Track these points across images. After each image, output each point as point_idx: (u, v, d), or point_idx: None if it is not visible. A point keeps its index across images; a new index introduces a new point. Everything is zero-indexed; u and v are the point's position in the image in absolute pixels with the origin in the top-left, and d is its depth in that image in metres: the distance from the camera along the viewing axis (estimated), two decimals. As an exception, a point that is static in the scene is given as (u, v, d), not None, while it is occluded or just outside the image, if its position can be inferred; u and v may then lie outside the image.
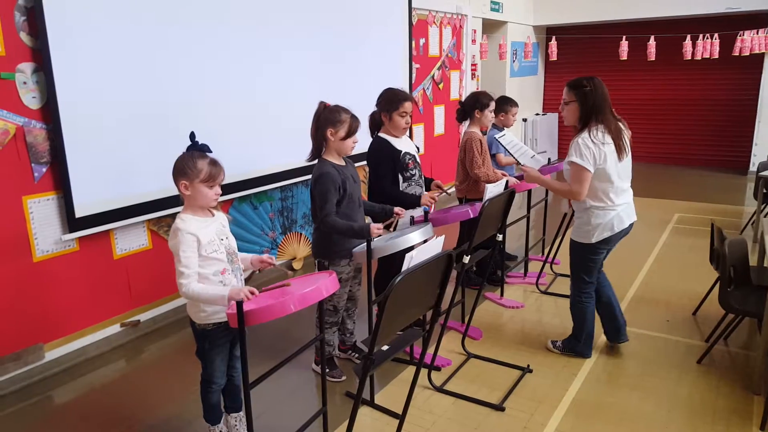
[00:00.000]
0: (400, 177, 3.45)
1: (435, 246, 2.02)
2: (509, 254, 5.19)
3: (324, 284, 2.16)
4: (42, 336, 3.41)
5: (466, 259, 2.98)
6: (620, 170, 3.08)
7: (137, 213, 3.71)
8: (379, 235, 2.85)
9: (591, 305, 3.32)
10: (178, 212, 2.36)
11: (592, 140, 2.98)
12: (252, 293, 2.12)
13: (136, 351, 3.76)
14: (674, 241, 5.70)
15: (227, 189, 4.32)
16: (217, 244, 2.30)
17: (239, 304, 1.98)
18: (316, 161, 3.02)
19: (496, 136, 4.28)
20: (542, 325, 3.96)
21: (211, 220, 2.36)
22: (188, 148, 2.35)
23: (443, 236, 2.17)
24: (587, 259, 3.21)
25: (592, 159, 2.98)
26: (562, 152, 10.91)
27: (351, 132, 2.90)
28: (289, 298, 2.08)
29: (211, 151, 2.38)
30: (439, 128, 7.47)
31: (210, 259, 2.27)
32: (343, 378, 3.26)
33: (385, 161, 3.43)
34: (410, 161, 3.47)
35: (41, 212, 3.31)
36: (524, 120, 9.96)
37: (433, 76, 7.24)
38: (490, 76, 9.07)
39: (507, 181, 3.98)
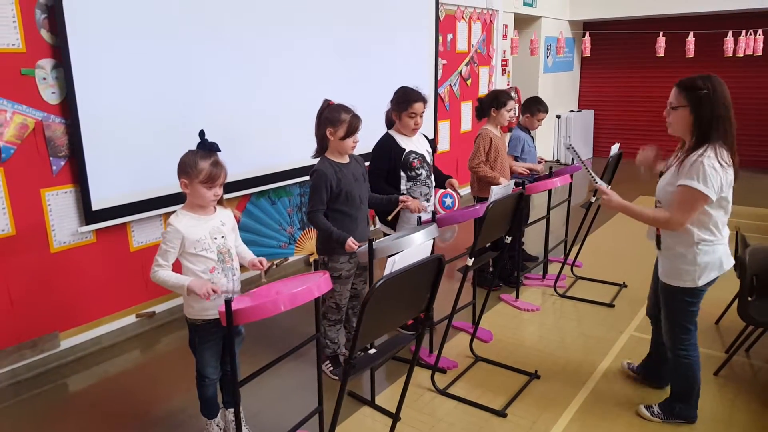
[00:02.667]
0: (404, 176, 3.42)
1: (423, 250, 1.99)
2: (530, 255, 5.12)
3: (316, 284, 2.16)
4: (58, 324, 3.51)
5: (470, 261, 2.93)
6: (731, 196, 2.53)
7: (154, 207, 3.78)
8: (353, 250, 2.87)
9: (696, 356, 2.71)
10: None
11: (720, 163, 2.39)
12: (214, 291, 2.25)
13: (150, 342, 3.84)
14: None
15: (245, 184, 4.38)
16: (208, 243, 2.34)
17: (227, 302, 1.99)
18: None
19: (566, 144, 3.95)
20: (557, 329, 3.88)
21: (207, 218, 2.39)
22: (198, 146, 2.38)
23: (432, 240, 2.13)
24: (690, 304, 2.61)
25: (719, 186, 2.40)
26: (597, 150, 10.67)
27: (350, 132, 2.89)
28: (279, 297, 2.08)
29: (219, 150, 2.40)
30: (466, 125, 7.39)
31: (198, 256, 2.33)
32: (346, 377, 3.26)
33: (382, 157, 3.44)
34: (416, 160, 3.44)
35: (59, 204, 3.40)
36: (558, 117, 9.78)
37: (460, 72, 7.16)
38: (522, 72, 8.93)
39: (524, 182, 3.93)
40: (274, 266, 4.81)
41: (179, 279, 2.31)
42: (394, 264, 1.83)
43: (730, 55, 7.82)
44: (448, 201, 6.52)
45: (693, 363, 2.72)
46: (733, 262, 2.64)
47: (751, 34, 7.73)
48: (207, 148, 2.33)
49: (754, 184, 8.40)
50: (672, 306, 2.68)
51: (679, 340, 2.70)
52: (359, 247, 2.89)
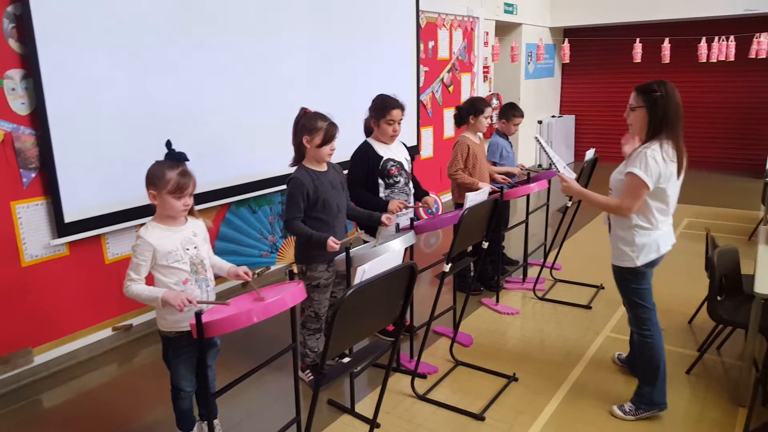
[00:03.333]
0: (382, 183, 3.43)
1: (394, 258, 1.99)
2: (510, 259, 5.14)
3: (289, 294, 2.15)
4: (31, 340, 3.45)
5: (447, 268, 2.93)
6: (676, 191, 2.79)
7: (129, 218, 3.74)
8: (335, 249, 2.85)
9: (657, 337, 2.86)
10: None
11: (662, 156, 2.64)
12: (189, 301, 2.19)
13: (127, 355, 3.79)
14: (680, 247, 5.46)
15: (225, 193, 4.36)
16: (180, 254, 2.32)
17: (198, 314, 1.97)
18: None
19: (536, 136, 4.13)
20: (536, 332, 3.90)
21: (178, 229, 2.37)
22: (165, 156, 2.36)
23: (403, 248, 2.13)
24: (638, 282, 2.82)
25: (657, 176, 2.63)
26: (579, 155, 10.76)
27: (327, 140, 2.89)
28: (251, 309, 2.07)
29: (187, 159, 2.38)
30: (449, 131, 7.41)
31: (171, 268, 2.30)
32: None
33: (360, 165, 3.45)
34: (393, 168, 3.45)
35: (30, 217, 3.35)
36: (539, 122, 9.85)
37: (442, 79, 7.20)
38: (504, 79, 8.99)
39: (502, 188, 3.95)
40: (256, 275, 4.78)
41: (153, 291, 2.28)
42: (364, 273, 1.83)
43: (704, 60, 7.95)
44: (432, 207, 6.54)
45: (655, 343, 2.86)
46: (669, 247, 2.83)
47: (723, 41, 7.85)
48: (174, 157, 2.30)
49: (726, 185, 8.52)
50: (622, 285, 2.90)
51: (641, 320, 2.87)
52: (339, 252, 2.87)
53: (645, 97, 2.71)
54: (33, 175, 3.33)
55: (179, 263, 2.32)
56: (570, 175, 3.37)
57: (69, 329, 3.64)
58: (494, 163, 4.60)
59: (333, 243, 2.83)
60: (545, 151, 3.43)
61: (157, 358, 3.66)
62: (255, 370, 2.33)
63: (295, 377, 2.53)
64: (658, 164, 2.63)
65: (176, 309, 2.23)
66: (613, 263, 2.88)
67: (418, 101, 6.62)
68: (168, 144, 2.36)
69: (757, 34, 7.90)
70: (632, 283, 2.83)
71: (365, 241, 3.49)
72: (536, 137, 3.71)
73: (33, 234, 3.37)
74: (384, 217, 3.14)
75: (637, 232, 2.75)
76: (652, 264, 2.79)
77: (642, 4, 8.97)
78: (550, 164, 3.23)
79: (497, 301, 4.33)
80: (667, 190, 2.70)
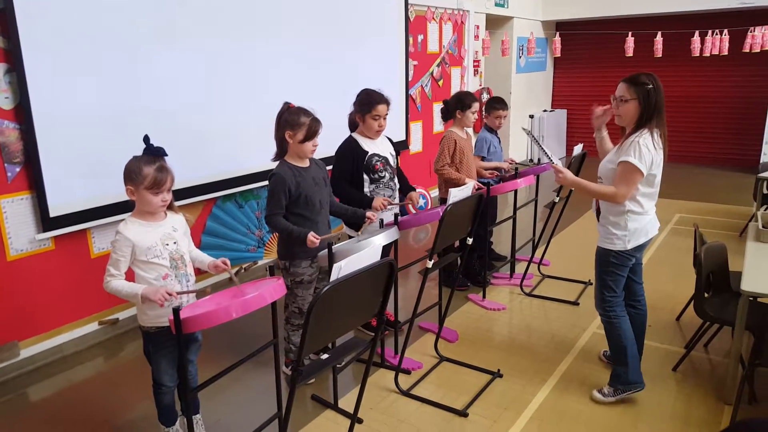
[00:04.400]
0: (367, 178, 3.43)
1: (372, 254, 1.99)
2: (498, 255, 5.15)
3: (268, 290, 2.15)
4: (17, 334, 3.45)
5: (429, 264, 2.94)
6: (660, 177, 2.90)
7: (114, 212, 3.72)
8: (316, 245, 2.85)
9: (624, 320, 2.98)
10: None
11: (654, 144, 2.75)
12: (169, 294, 2.20)
13: (114, 349, 3.79)
14: (670, 243, 5.59)
15: (211, 188, 4.35)
16: (159, 250, 2.31)
17: (176, 310, 1.97)
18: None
19: (524, 127, 4.09)
20: (522, 328, 3.91)
21: (157, 224, 2.36)
22: (143, 152, 2.35)
23: (381, 245, 2.13)
24: (618, 267, 2.92)
25: (650, 163, 2.75)
26: (570, 149, 10.76)
27: (310, 135, 2.88)
28: (230, 304, 2.06)
29: (166, 155, 2.37)
30: (438, 126, 7.40)
31: (151, 263, 2.30)
32: (311, 380, 3.25)
33: (345, 160, 3.43)
34: (378, 163, 3.44)
35: (15, 212, 3.34)
36: (531, 116, 9.84)
37: (432, 73, 7.18)
38: (495, 73, 8.97)
39: (489, 183, 3.96)
40: (243, 270, 4.78)
41: (132, 287, 2.28)
42: (341, 270, 1.83)
43: (697, 54, 7.93)
44: (421, 202, 6.55)
45: (621, 323, 2.97)
46: (656, 231, 2.95)
47: (717, 34, 7.85)
48: (152, 153, 2.30)
49: (718, 180, 8.54)
50: (602, 267, 2.97)
51: (607, 302, 2.97)
52: (321, 248, 2.87)
53: (637, 89, 2.77)
54: (17, 169, 3.31)
55: (158, 258, 2.31)
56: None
57: (55, 323, 3.64)
58: (482, 158, 4.59)
59: (313, 238, 2.83)
60: (536, 142, 3.48)
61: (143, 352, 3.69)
62: (236, 365, 2.33)
63: (276, 373, 2.53)
64: (650, 152, 2.73)
65: (157, 304, 2.23)
66: (602, 246, 2.95)
67: (407, 95, 6.61)
68: (146, 139, 2.35)
69: (752, 28, 7.88)
70: (613, 266, 2.92)
71: (350, 236, 3.50)
72: (524, 129, 3.70)
73: (18, 228, 3.36)
74: (368, 214, 3.15)
75: (629, 217, 2.85)
76: (640, 248, 2.92)
77: (635, -2, 8.97)
78: (541, 157, 3.25)
79: (484, 296, 4.33)
80: (657, 175, 2.84)
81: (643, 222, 2.87)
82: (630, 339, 2.97)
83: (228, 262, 2.49)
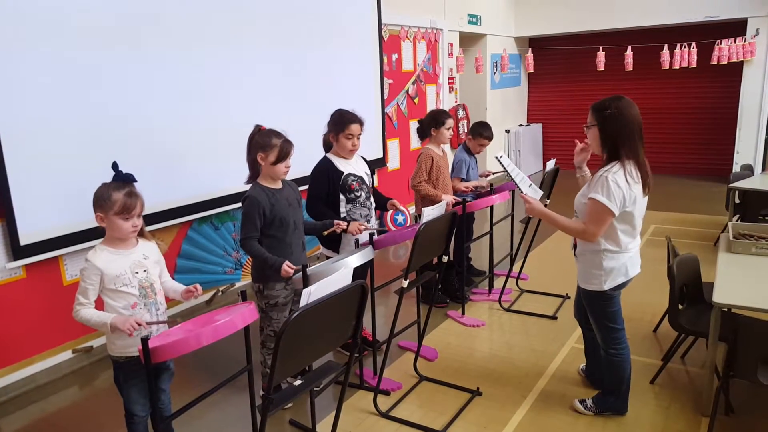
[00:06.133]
0: (343, 198, 3.43)
1: (342, 278, 1.98)
2: (477, 270, 5.16)
3: (239, 316, 2.13)
4: (-13, 365, 3.38)
5: (405, 283, 2.93)
6: (642, 211, 2.74)
7: (87, 238, 3.65)
8: (289, 275, 2.82)
9: (626, 353, 2.88)
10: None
11: (626, 178, 2.58)
12: (138, 324, 2.17)
13: (88, 377, 3.72)
14: (646, 254, 5.52)
15: (186, 211, 4.31)
16: (128, 278, 2.28)
17: (144, 340, 1.94)
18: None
19: (497, 155, 4.09)
20: (501, 344, 3.91)
21: (127, 252, 2.33)
22: (113, 178, 2.33)
23: (350, 269, 2.12)
24: (606, 306, 2.81)
25: (621, 201, 2.57)
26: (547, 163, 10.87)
27: (281, 157, 2.88)
28: (201, 332, 2.04)
29: (135, 181, 2.36)
30: (415, 143, 7.44)
31: (119, 292, 2.27)
32: (290, 405, 3.21)
33: (321, 181, 3.43)
34: (354, 182, 3.45)
35: (-16, 241, 3.28)
36: (507, 131, 9.94)
37: (407, 91, 7.23)
38: (470, 89, 9.06)
39: (464, 200, 3.97)
40: (220, 293, 4.74)
41: (101, 317, 2.25)
42: (310, 296, 1.81)
43: (667, 67, 8.11)
44: (400, 218, 6.56)
45: (623, 360, 2.89)
46: (638, 270, 2.83)
47: (685, 47, 8.03)
48: (122, 179, 2.28)
49: (692, 191, 8.67)
50: (592, 309, 2.88)
51: (610, 339, 2.87)
52: (295, 272, 2.86)
53: (597, 115, 2.67)
54: (-15, 197, 3.26)
55: (127, 287, 2.28)
56: (536, 194, 3.41)
57: (28, 353, 3.57)
58: (461, 179, 4.60)
59: (288, 268, 2.82)
60: (507, 172, 3.42)
61: (118, 381, 3.62)
62: (210, 392, 2.30)
63: (252, 400, 2.49)
64: (620, 188, 2.57)
65: (126, 334, 2.19)
66: (582, 286, 2.86)
67: (383, 113, 6.64)
68: (114, 166, 2.33)
69: (719, 41, 8.09)
70: (601, 306, 2.82)
71: (328, 257, 3.48)
72: (497, 157, 3.70)
73: (-13, 258, 3.30)
74: (336, 222, 3.15)
75: (605, 256, 2.72)
76: (619, 287, 2.79)
77: (604, 13, 9.14)
78: (516, 186, 3.22)
79: (463, 313, 4.33)
80: (634, 212, 2.66)
81: (621, 261, 2.72)
82: (629, 371, 2.92)
83: (199, 287, 2.47)
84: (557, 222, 2.79)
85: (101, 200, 2.25)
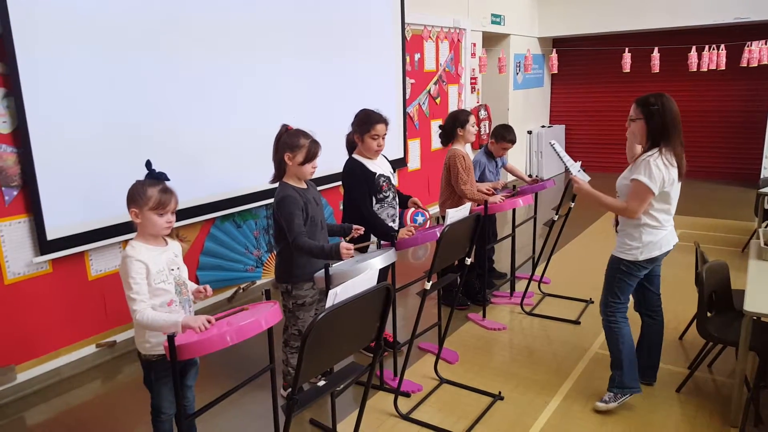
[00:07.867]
0: (373, 199, 3.42)
1: (369, 278, 1.97)
2: (499, 273, 5.12)
3: (264, 316, 2.13)
4: (14, 357, 3.42)
5: (428, 285, 2.92)
6: (677, 193, 3.02)
7: (112, 234, 3.72)
8: (351, 255, 2.81)
9: (624, 326, 3.09)
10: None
11: (664, 162, 2.86)
12: (209, 321, 2.12)
13: (111, 372, 3.75)
14: (671, 260, 5.49)
15: (209, 208, 4.34)
16: (166, 275, 2.28)
17: (170, 338, 1.95)
18: (277, 184, 3.00)
19: (551, 142, 4.08)
20: (523, 348, 3.87)
21: (162, 249, 2.34)
22: (146, 177, 2.34)
23: (376, 271, 2.11)
24: (627, 276, 3.05)
25: (660, 182, 2.85)
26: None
27: (309, 157, 2.88)
28: (225, 331, 2.05)
29: (168, 179, 2.36)
30: (436, 143, 7.38)
31: (157, 289, 2.26)
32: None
33: (358, 184, 3.40)
34: (384, 183, 3.45)
35: (12, 235, 3.33)
36: (529, 132, 9.86)
37: (429, 91, 7.20)
38: (492, 90, 9.00)
39: (489, 205, 3.94)
40: (241, 290, 4.76)
41: (169, 317, 2.19)
42: (336, 296, 1.81)
43: (695, 69, 7.97)
44: (420, 219, 6.54)
45: (619, 330, 3.09)
46: (671, 246, 3.08)
47: (714, 49, 7.88)
48: (155, 177, 2.29)
49: (719, 195, 8.51)
50: (611, 273, 3.11)
51: (610, 307, 3.11)
52: (349, 254, 2.83)
53: (643, 110, 2.93)
54: (15, 192, 3.31)
55: (165, 284, 2.27)
56: (584, 177, 3.70)
57: (52, 346, 3.61)
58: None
59: (345, 249, 2.78)
60: (560, 156, 3.69)
61: (141, 375, 3.64)
62: (232, 390, 2.31)
63: (274, 398, 2.50)
64: (660, 170, 2.85)
65: (196, 331, 2.13)
66: (614, 254, 3.08)
67: (405, 113, 6.62)
68: (148, 164, 2.34)
69: (749, 43, 7.93)
70: (622, 273, 3.04)
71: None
72: (551, 143, 3.91)
73: (15, 252, 3.35)
74: (355, 226, 3.14)
75: (645, 230, 2.98)
76: (653, 260, 3.03)
77: (630, 14, 9.02)
78: (565, 166, 3.58)
79: (484, 316, 4.30)
80: (671, 192, 2.94)
81: (659, 236, 2.99)
82: (627, 345, 3.08)
83: (209, 288, 2.45)
84: (602, 200, 3.07)
85: (136, 196, 2.26)
